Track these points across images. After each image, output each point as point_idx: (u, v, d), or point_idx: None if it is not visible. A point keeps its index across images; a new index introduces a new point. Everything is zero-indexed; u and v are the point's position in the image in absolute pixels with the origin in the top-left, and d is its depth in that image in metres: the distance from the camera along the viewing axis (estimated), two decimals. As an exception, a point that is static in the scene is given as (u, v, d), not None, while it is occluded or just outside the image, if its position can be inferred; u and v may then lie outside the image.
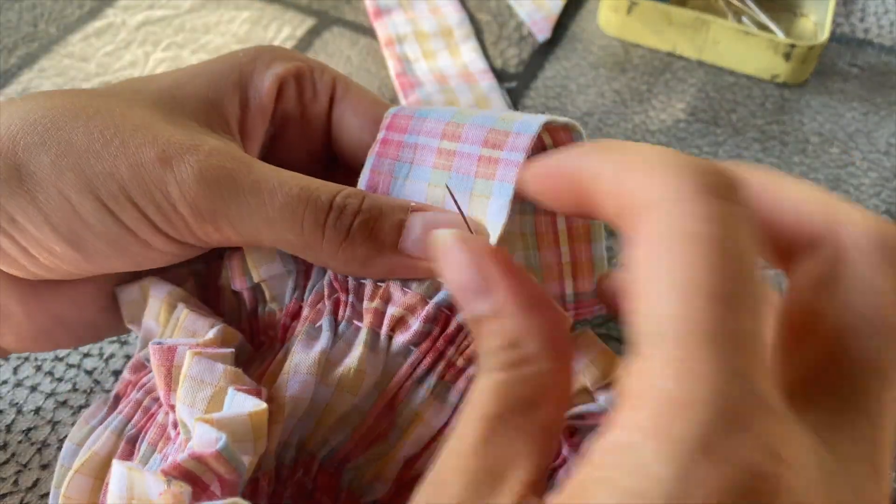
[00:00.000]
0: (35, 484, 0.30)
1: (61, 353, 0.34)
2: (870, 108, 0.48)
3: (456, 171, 0.24)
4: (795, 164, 0.45)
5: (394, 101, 0.47)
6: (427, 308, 0.24)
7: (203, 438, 0.20)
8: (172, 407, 0.23)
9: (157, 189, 0.22)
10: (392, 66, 0.48)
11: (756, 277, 0.15)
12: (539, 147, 0.27)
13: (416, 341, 0.24)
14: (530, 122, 0.24)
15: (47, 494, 0.30)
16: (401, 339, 0.24)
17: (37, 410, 0.32)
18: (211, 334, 0.24)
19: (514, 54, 0.50)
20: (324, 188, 0.24)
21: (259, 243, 0.24)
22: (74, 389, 0.33)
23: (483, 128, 0.24)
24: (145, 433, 0.24)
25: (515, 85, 0.48)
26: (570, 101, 0.48)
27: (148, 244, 0.24)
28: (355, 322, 0.25)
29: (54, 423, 0.32)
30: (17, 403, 0.32)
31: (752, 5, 0.51)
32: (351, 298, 0.25)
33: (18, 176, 0.22)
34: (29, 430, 0.32)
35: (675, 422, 0.13)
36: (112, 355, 0.34)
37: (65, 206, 0.22)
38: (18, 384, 0.33)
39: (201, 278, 0.29)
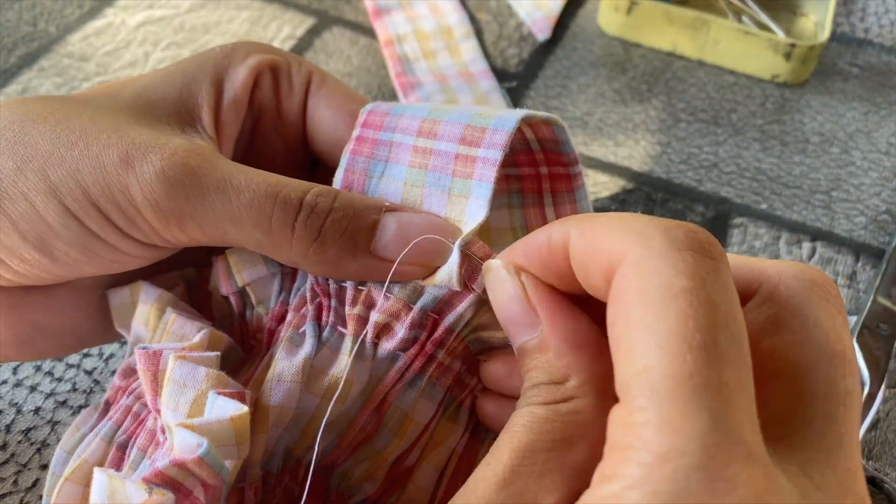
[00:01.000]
0: (34, 484, 0.30)
1: (61, 353, 0.34)
2: (870, 108, 0.48)
3: (432, 170, 0.24)
4: (795, 163, 0.45)
5: (393, 100, 0.47)
6: (412, 314, 0.23)
7: (184, 444, 0.19)
8: (160, 411, 0.22)
9: (120, 192, 0.22)
10: (392, 66, 0.48)
11: (736, 327, 0.15)
12: (521, 139, 0.27)
13: (404, 347, 0.24)
14: (507, 118, 0.23)
15: (47, 494, 0.30)
16: (387, 345, 0.24)
17: (36, 410, 0.32)
18: (197, 338, 0.24)
19: (514, 54, 0.50)
20: (293, 185, 0.23)
21: (227, 243, 0.24)
22: (74, 389, 0.33)
23: (459, 124, 0.24)
24: (135, 439, 0.24)
25: (515, 85, 0.48)
26: (570, 100, 0.48)
27: (116, 248, 0.23)
28: (339, 328, 0.24)
29: (54, 423, 0.32)
30: (16, 403, 0.32)
31: (753, 5, 0.51)
32: (333, 303, 0.24)
33: None
34: (28, 430, 0.32)
35: (661, 475, 0.14)
36: (112, 355, 0.34)
37: (31, 211, 0.22)
38: (18, 384, 0.33)
39: (191, 282, 0.28)
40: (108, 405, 0.27)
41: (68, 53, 0.49)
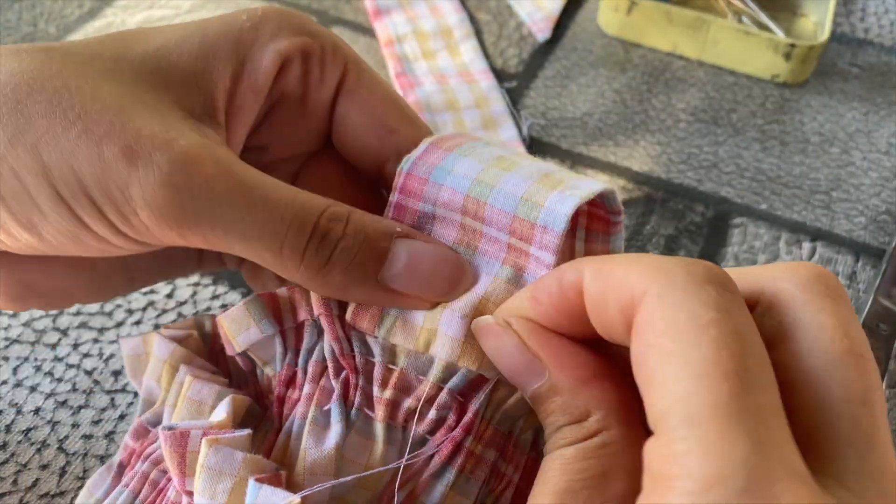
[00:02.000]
0: (34, 484, 0.30)
1: (61, 353, 0.34)
2: (870, 108, 0.48)
3: (482, 253, 0.23)
4: (795, 163, 0.45)
5: (394, 100, 0.47)
6: (442, 396, 0.22)
7: None
8: (189, 493, 0.22)
9: (118, 189, 0.20)
10: (392, 66, 0.48)
11: (761, 353, 0.16)
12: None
13: (431, 430, 0.23)
14: (557, 213, 0.22)
15: (47, 494, 0.30)
16: (416, 429, 0.23)
17: (36, 411, 0.32)
18: (223, 412, 0.23)
19: (514, 54, 0.50)
20: (308, 207, 0.21)
21: (228, 252, 0.22)
22: (74, 389, 0.33)
23: (506, 214, 0.22)
24: None
25: (515, 85, 0.48)
26: (570, 100, 0.48)
27: (106, 241, 0.22)
28: (366, 410, 0.23)
29: (54, 424, 0.32)
30: (16, 403, 0.32)
31: (753, 5, 0.51)
32: (361, 381, 0.23)
33: None
34: (28, 430, 0.32)
35: (707, 500, 0.14)
36: (112, 356, 0.34)
37: (20, 190, 0.20)
38: (18, 384, 0.33)
39: (207, 334, 0.27)
40: (121, 468, 0.26)
41: (68, 53, 0.49)
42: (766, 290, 0.18)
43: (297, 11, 0.25)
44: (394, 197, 0.24)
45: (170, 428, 0.22)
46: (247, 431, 0.22)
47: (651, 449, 0.16)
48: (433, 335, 0.22)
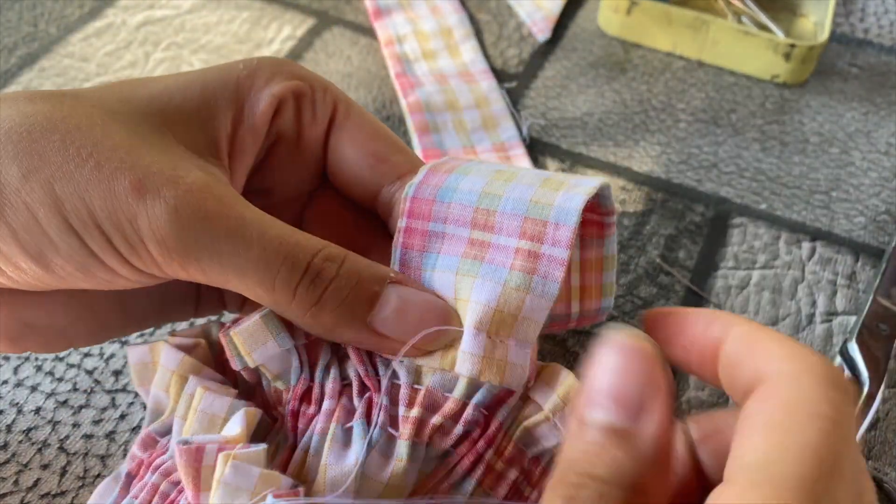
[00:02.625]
0: (35, 484, 0.30)
1: (62, 353, 0.34)
2: (869, 108, 0.48)
3: (489, 262, 0.23)
4: (795, 164, 0.45)
5: (394, 101, 0.47)
6: (468, 412, 0.23)
7: None
8: None
9: (127, 220, 0.21)
10: (392, 66, 0.49)
11: (857, 465, 0.17)
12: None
13: (456, 444, 0.23)
14: (567, 209, 0.22)
15: (48, 494, 0.30)
16: (440, 443, 0.23)
17: (37, 410, 0.32)
18: (237, 427, 0.23)
19: (514, 54, 0.50)
20: (303, 246, 0.22)
21: (226, 288, 0.23)
22: (75, 389, 0.33)
23: (516, 216, 0.23)
24: None
25: (515, 85, 0.48)
26: (570, 100, 0.48)
27: (114, 271, 0.23)
28: (390, 430, 0.23)
29: (55, 423, 0.32)
30: (17, 403, 0.32)
31: (752, 5, 0.51)
32: (384, 401, 0.23)
33: None
34: (29, 430, 0.32)
35: None
36: (113, 355, 0.34)
37: (32, 222, 0.21)
38: (19, 384, 0.33)
39: (211, 338, 0.28)
40: (129, 478, 0.26)
41: (69, 54, 0.49)
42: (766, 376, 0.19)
43: (289, 60, 0.27)
44: (402, 223, 0.24)
45: (185, 442, 0.22)
46: (262, 446, 0.22)
47: (718, 496, 0.17)
48: (456, 353, 0.23)
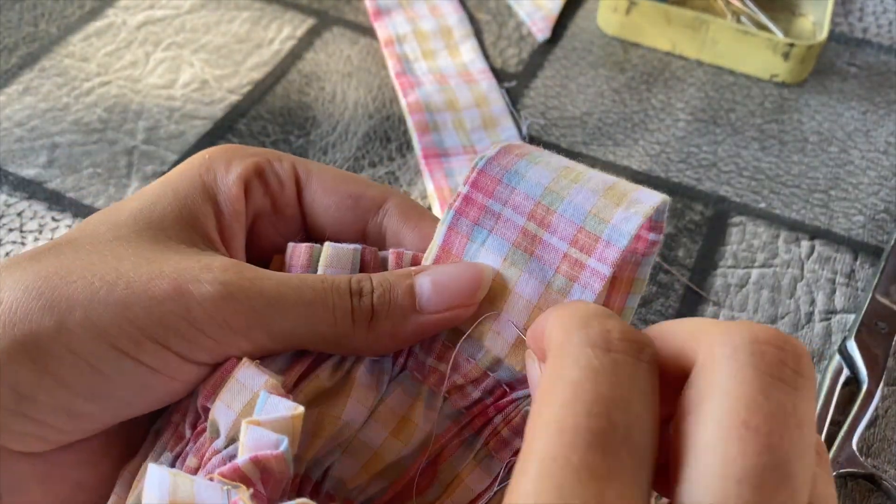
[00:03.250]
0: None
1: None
2: (868, 107, 0.48)
3: (537, 259, 0.24)
4: (794, 163, 0.45)
5: (394, 101, 0.47)
6: (487, 381, 0.24)
7: (261, 441, 0.20)
8: (206, 409, 0.22)
9: (179, 317, 0.22)
10: (392, 66, 0.49)
11: (637, 422, 0.16)
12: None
13: (469, 406, 0.25)
14: (622, 231, 0.23)
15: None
16: (457, 402, 0.25)
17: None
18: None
19: (514, 54, 0.51)
20: (337, 279, 0.24)
21: (291, 346, 0.24)
22: None
23: (573, 224, 0.24)
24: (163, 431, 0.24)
25: (515, 84, 0.49)
26: (570, 100, 0.48)
27: (174, 378, 0.23)
28: (415, 373, 0.25)
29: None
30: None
31: (751, 5, 0.51)
32: (417, 349, 0.25)
33: (23, 349, 0.21)
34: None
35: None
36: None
37: (79, 363, 0.21)
38: None
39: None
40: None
41: (69, 54, 0.49)
42: (701, 352, 0.17)
43: (234, 144, 0.29)
44: (464, 189, 0.25)
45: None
46: (281, 377, 0.23)
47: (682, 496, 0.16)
48: (487, 329, 0.24)
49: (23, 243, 0.40)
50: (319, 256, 0.25)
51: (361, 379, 0.24)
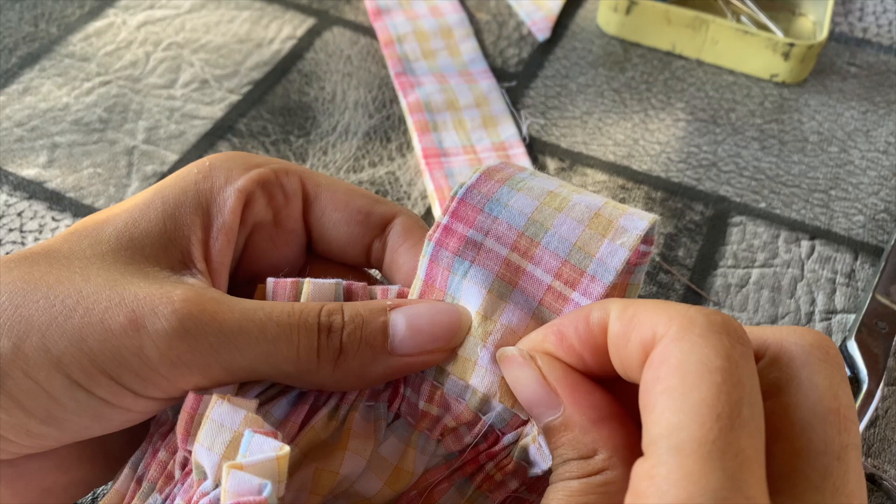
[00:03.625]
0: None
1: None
2: (868, 107, 0.48)
3: (521, 290, 0.24)
4: (794, 162, 0.45)
5: (394, 101, 0.47)
6: (480, 426, 0.24)
7: (242, 486, 0.19)
8: (188, 451, 0.22)
9: (132, 354, 0.21)
10: (392, 66, 0.49)
11: (757, 405, 0.18)
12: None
13: (462, 450, 0.24)
14: (608, 267, 0.23)
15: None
16: (450, 445, 0.24)
17: None
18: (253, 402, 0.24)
19: (514, 54, 0.51)
20: (307, 310, 0.23)
21: (251, 379, 0.23)
22: None
23: (557, 257, 0.23)
24: (147, 470, 0.24)
25: (515, 84, 0.49)
26: (570, 100, 0.48)
27: (129, 410, 0.22)
28: (408, 418, 0.24)
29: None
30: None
31: (751, 5, 0.51)
32: (408, 392, 0.24)
33: None
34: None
35: None
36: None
37: (34, 388, 0.21)
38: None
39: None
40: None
41: (69, 53, 0.49)
42: (772, 346, 0.20)
43: (241, 151, 0.27)
44: (444, 220, 0.24)
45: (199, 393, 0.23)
46: (254, 400, 0.22)
47: (637, 468, 0.17)
48: (470, 365, 0.24)
49: (23, 243, 0.40)
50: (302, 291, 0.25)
51: (357, 428, 0.23)
